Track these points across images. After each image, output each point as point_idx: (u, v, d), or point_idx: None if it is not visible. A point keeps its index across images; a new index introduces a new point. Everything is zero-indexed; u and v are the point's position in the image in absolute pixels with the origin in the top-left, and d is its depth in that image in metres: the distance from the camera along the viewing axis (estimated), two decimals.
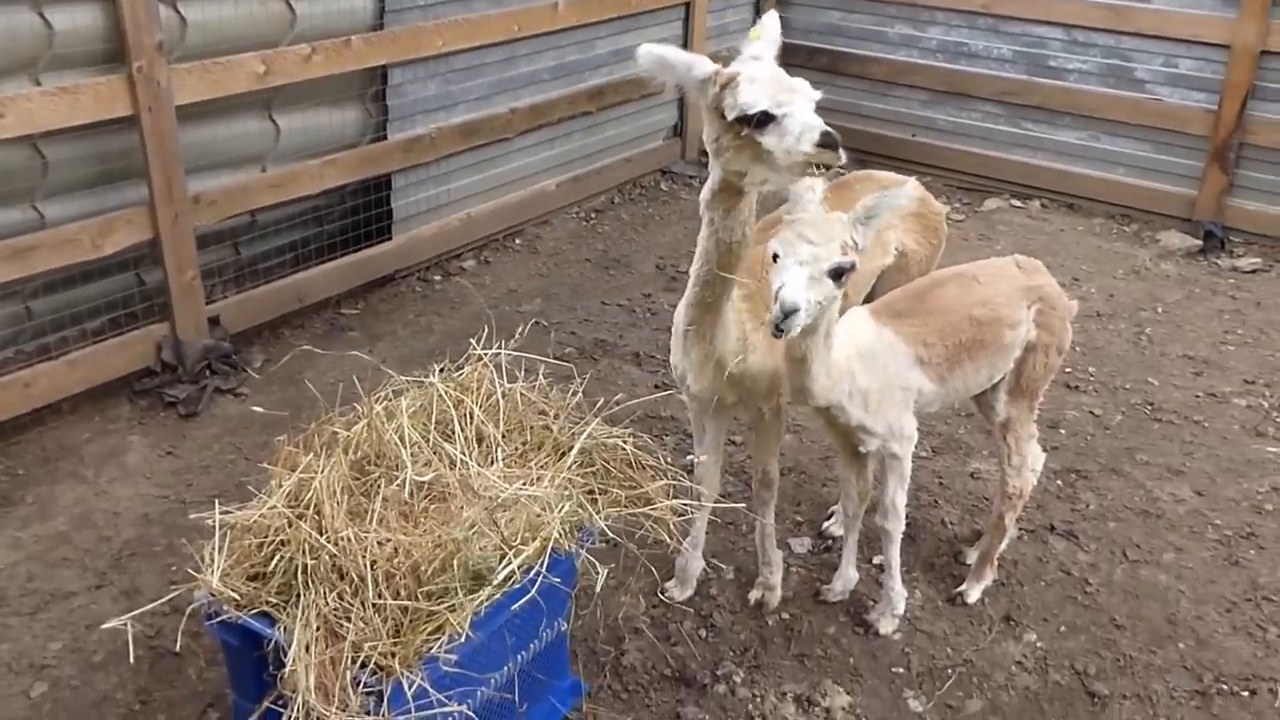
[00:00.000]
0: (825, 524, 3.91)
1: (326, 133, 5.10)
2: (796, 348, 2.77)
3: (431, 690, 2.29)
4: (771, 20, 2.80)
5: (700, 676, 3.22)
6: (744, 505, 3.61)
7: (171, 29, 4.31)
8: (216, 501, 2.61)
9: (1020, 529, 3.87)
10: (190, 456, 4.17)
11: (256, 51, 4.57)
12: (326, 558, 2.40)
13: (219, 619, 2.44)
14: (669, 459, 2.92)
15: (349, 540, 2.42)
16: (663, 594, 3.51)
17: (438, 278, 5.73)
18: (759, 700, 3.15)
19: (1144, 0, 6.50)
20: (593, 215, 6.64)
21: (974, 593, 3.57)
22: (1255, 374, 5.08)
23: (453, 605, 2.39)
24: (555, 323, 5.22)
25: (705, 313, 2.88)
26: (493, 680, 2.62)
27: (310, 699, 2.22)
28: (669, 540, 2.78)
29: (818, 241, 2.56)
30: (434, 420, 2.81)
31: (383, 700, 2.26)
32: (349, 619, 2.33)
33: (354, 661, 2.30)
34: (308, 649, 2.28)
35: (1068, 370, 4.99)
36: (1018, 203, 7.03)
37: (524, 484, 2.65)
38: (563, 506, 2.62)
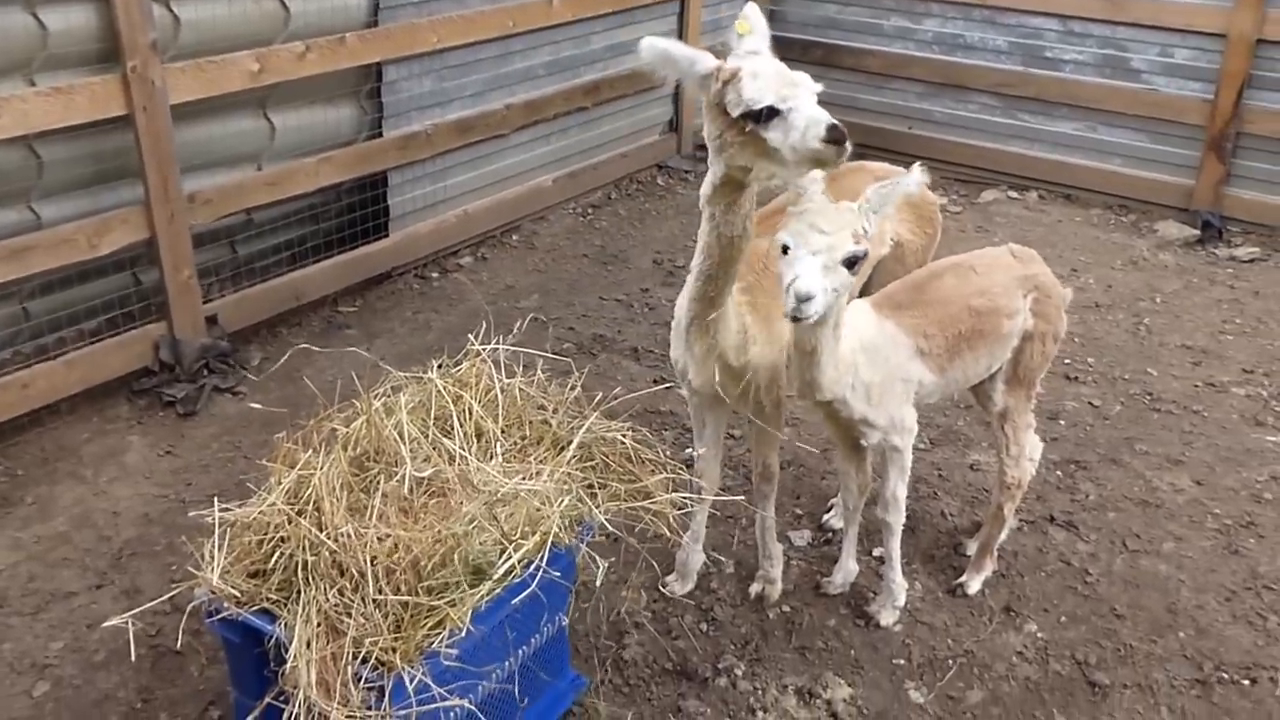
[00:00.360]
0: (825, 517, 3.91)
1: (322, 130, 5.09)
2: (807, 340, 2.76)
3: (433, 685, 2.29)
4: (754, 11, 2.78)
5: (701, 670, 3.22)
6: (744, 499, 3.61)
7: (165, 28, 4.30)
8: (216, 499, 2.61)
9: (1020, 520, 3.88)
10: (189, 456, 4.17)
11: (251, 50, 4.56)
12: (326, 554, 2.40)
13: (220, 616, 2.44)
14: (668, 453, 2.93)
15: (349, 536, 2.42)
16: (663, 588, 3.51)
17: (435, 275, 5.73)
18: (760, 693, 3.15)
19: None
20: (589, 211, 6.63)
21: (974, 584, 3.57)
22: (1254, 363, 5.08)
23: (453, 600, 2.39)
24: (553, 318, 5.22)
25: (707, 307, 2.88)
26: (494, 675, 2.62)
27: (312, 695, 2.22)
28: (669, 534, 2.78)
29: (829, 230, 2.56)
30: (433, 416, 2.81)
31: (384, 695, 2.26)
32: (350, 615, 2.33)
33: (355, 657, 2.30)
34: (309, 645, 2.29)
35: (1066, 361, 4.99)
36: (1015, 194, 7.03)
37: (523, 478, 2.65)
38: (562, 501, 2.62)
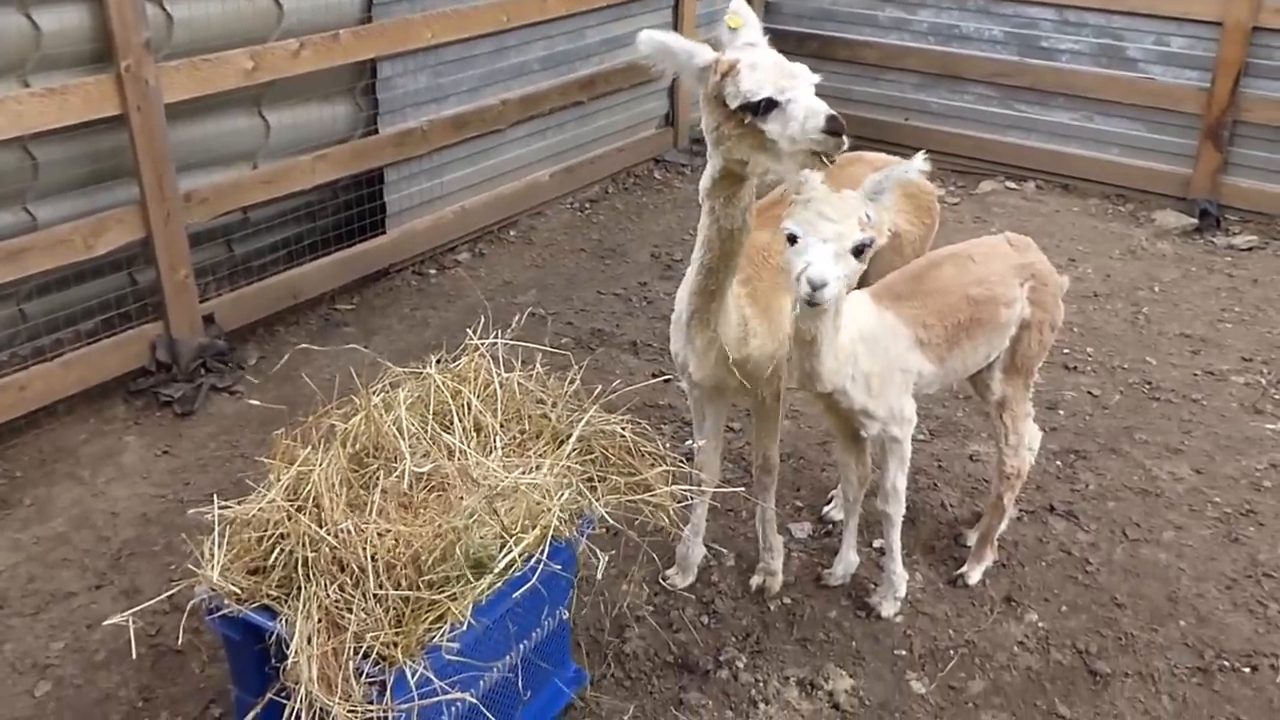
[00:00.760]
0: (825, 509, 3.91)
1: (317, 128, 5.08)
2: (807, 331, 2.76)
3: (434, 679, 2.29)
4: (743, 6, 2.78)
5: (703, 663, 3.22)
6: (744, 491, 3.61)
7: (158, 27, 4.29)
8: (215, 497, 2.61)
9: (1020, 510, 3.87)
10: (187, 455, 4.16)
11: (244, 48, 4.55)
12: (326, 550, 2.40)
13: (220, 613, 2.44)
14: (668, 446, 2.92)
15: (349, 532, 2.41)
16: (664, 581, 3.51)
17: (432, 271, 5.72)
18: (762, 685, 3.15)
19: None
20: (587, 205, 6.63)
21: (975, 574, 3.57)
22: (1253, 351, 5.08)
23: (454, 594, 2.39)
24: (551, 313, 5.21)
25: (708, 300, 2.87)
26: (495, 669, 2.61)
27: (314, 690, 2.22)
28: (669, 527, 2.78)
29: (837, 219, 2.56)
30: (432, 411, 2.81)
31: (385, 690, 2.26)
32: (350, 610, 2.32)
33: (356, 652, 2.30)
34: (310, 641, 2.28)
35: (1065, 351, 4.99)
36: (1012, 185, 7.02)
37: (523, 472, 2.65)
38: (562, 494, 2.61)
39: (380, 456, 2.69)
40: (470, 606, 2.38)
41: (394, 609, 2.35)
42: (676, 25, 6.98)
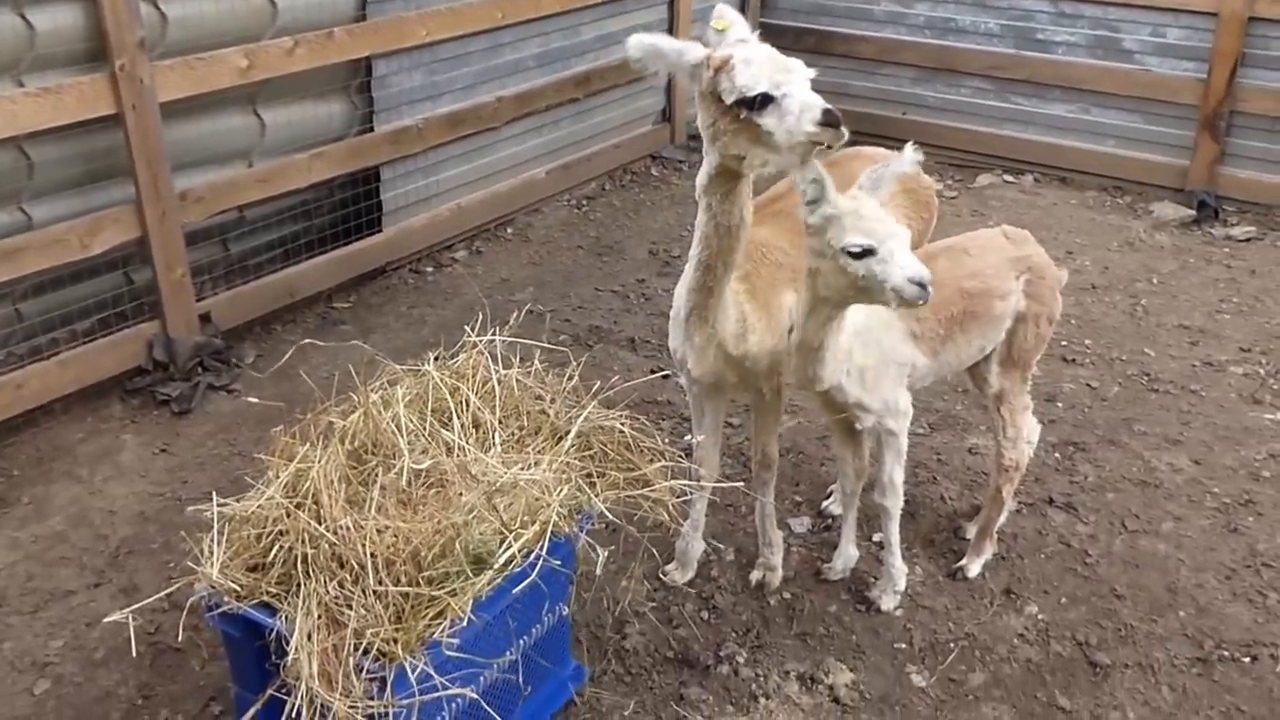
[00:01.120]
0: (824, 503, 3.91)
1: (312, 126, 5.08)
2: (815, 338, 2.78)
3: (435, 674, 2.28)
4: (727, 9, 2.79)
5: (703, 658, 3.22)
6: (743, 486, 3.61)
7: (153, 26, 4.28)
8: (214, 495, 2.60)
9: (1019, 502, 3.88)
10: (185, 454, 4.16)
11: (239, 46, 4.54)
12: (326, 546, 2.40)
13: (220, 610, 2.44)
14: (666, 442, 2.92)
15: (348, 529, 2.41)
16: (663, 576, 3.51)
17: (429, 269, 5.72)
18: (762, 680, 3.15)
19: None
20: (584, 202, 6.62)
21: (974, 567, 3.57)
22: (1251, 342, 5.08)
23: (454, 590, 2.38)
24: (549, 310, 5.21)
25: (706, 296, 2.87)
26: (496, 664, 2.61)
27: (314, 686, 2.21)
28: (669, 522, 2.78)
29: (887, 219, 2.60)
30: (430, 408, 2.80)
31: (386, 686, 2.26)
32: (350, 606, 2.32)
33: (356, 648, 2.30)
34: (310, 637, 2.28)
35: (1064, 343, 4.99)
36: (1010, 178, 7.02)
37: (522, 468, 2.65)
38: (561, 490, 2.61)
39: (379, 453, 2.69)
40: (470, 602, 2.38)
41: (394, 605, 2.35)
42: (672, 20, 6.97)
